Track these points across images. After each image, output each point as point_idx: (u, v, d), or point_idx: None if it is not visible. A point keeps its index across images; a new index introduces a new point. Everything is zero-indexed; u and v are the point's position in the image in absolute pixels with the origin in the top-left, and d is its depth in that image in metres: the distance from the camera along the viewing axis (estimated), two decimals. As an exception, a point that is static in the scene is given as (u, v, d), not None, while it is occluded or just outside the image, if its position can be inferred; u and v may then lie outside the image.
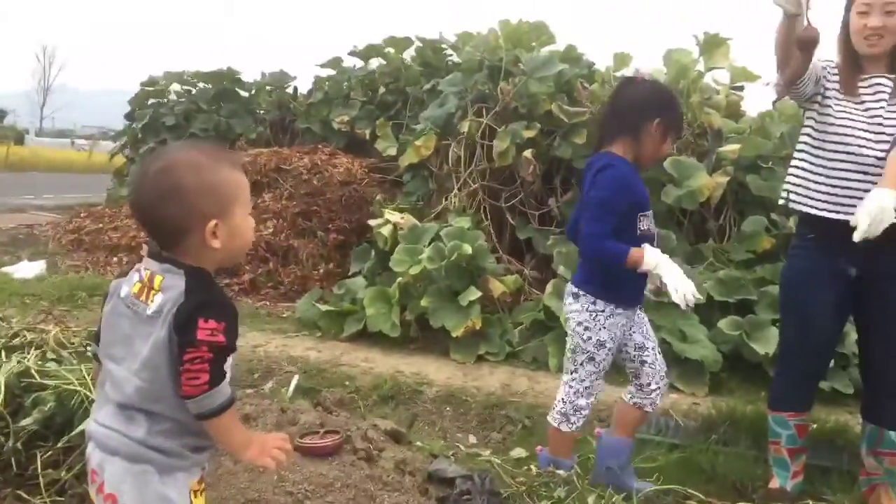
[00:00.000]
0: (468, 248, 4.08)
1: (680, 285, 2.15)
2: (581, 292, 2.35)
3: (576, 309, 2.36)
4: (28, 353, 2.46)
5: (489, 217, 4.85)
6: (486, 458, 2.71)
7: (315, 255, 5.41)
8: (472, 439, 3.14)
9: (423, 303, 3.99)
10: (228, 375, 1.26)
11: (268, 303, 5.04)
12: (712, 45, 4.99)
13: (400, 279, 4.13)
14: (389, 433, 2.61)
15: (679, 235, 4.37)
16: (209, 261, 1.30)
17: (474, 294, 3.96)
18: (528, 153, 4.68)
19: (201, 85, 8.15)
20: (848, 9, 2.28)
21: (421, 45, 6.55)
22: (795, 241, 2.48)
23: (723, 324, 3.67)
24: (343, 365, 3.72)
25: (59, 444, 2.18)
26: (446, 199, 4.96)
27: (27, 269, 5.33)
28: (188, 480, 1.31)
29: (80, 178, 18.33)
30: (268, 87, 7.80)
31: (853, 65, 2.29)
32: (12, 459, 2.15)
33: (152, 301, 1.25)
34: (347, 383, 3.52)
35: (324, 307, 4.32)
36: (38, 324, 2.87)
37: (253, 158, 6.24)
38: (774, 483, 2.50)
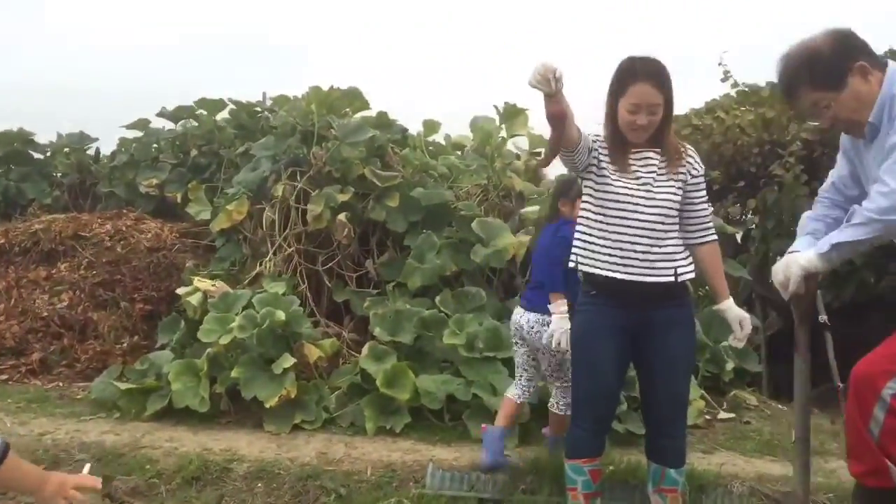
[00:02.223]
0: (282, 315, 3.98)
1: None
2: None
3: None
4: None
5: (306, 280, 4.79)
6: (294, 535, 2.61)
7: (118, 328, 5.00)
8: (284, 516, 3.01)
9: (235, 373, 3.82)
10: None
11: (61, 384, 4.57)
12: (512, 114, 5.38)
13: (210, 350, 3.94)
14: (186, 520, 2.43)
15: (489, 292, 4.58)
16: None
17: (288, 361, 3.86)
18: (342, 216, 4.71)
19: (-13, 146, 7.39)
20: (615, 98, 2.50)
21: (235, 107, 6.44)
22: (581, 298, 2.69)
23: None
24: (144, 447, 3.44)
25: None
26: (261, 265, 4.83)
27: None
28: None
29: None
30: (65, 149, 7.23)
31: (621, 145, 2.56)
32: None
33: None
34: (148, 467, 3.26)
35: (124, 385, 4.00)
36: None
37: (47, 225, 5.72)
38: None
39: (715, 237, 2.66)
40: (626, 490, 3.09)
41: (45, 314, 4.95)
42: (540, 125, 5.85)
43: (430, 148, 5.84)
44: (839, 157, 2.44)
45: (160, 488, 3.11)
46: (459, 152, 5.91)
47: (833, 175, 2.46)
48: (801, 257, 2.24)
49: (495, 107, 5.40)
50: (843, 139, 2.38)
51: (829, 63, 2.16)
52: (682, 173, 2.56)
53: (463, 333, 3.95)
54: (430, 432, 3.74)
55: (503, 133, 5.56)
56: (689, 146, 2.67)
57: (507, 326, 4.19)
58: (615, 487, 3.07)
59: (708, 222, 2.64)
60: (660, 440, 2.63)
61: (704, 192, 2.63)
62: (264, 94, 6.58)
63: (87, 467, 3.16)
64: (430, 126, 5.77)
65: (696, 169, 2.58)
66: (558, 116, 2.32)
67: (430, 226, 4.83)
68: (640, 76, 2.44)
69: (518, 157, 5.48)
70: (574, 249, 2.63)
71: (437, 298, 4.38)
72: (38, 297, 5.10)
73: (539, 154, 5.56)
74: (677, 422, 2.61)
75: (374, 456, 3.41)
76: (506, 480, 3.15)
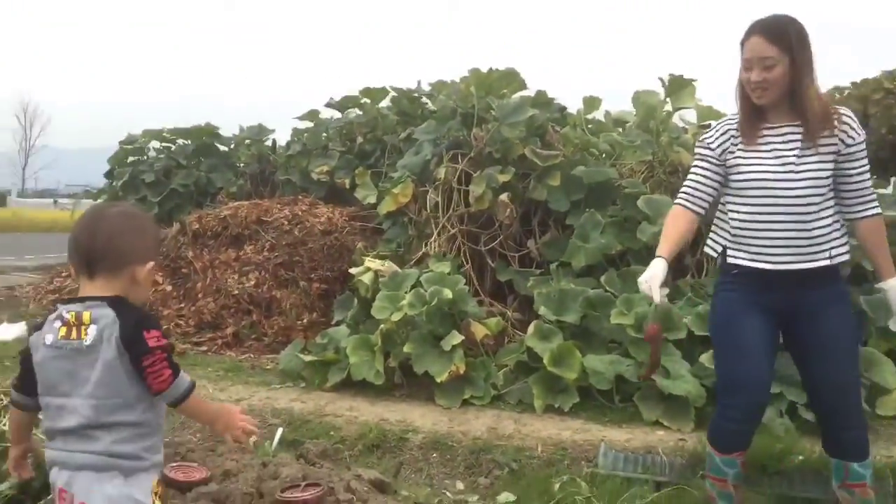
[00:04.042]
0: (449, 293, 4.10)
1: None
2: None
3: None
4: (4, 417, 2.44)
5: (469, 261, 4.89)
6: (472, 505, 2.70)
7: (298, 306, 5.40)
8: (460, 485, 3.11)
9: (406, 349, 3.99)
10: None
11: (251, 355, 5.01)
12: (678, 86, 5.14)
13: (382, 326, 4.14)
14: (374, 483, 2.59)
15: (657, 271, 4.42)
16: (130, 295, 1.55)
17: (457, 338, 3.97)
18: (504, 197, 4.75)
19: (180, 141, 8.22)
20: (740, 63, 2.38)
21: (396, 94, 6.68)
22: (721, 279, 2.55)
23: (704, 358, 3.69)
24: (328, 415, 3.69)
25: (36, 510, 2.15)
26: (426, 245, 4.99)
27: (6, 332, 5.27)
28: (149, 481, 1.51)
29: (63, 237, 18.18)
30: (247, 141, 7.89)
31: (752, 114, 2.39)
32: (-12, 527, 2.11)
33: (86, 334, 1.47)
34: (332, 433, 3.49)
35: (307, 357, 4.30)
36: (9, 402, 2.84)
37: (234, 211, 6.27)
38: None
39: (878, 210, 2.40)
40: (817, 482, 2.88)
41: (236, 292, 5.44)
42: (708, 96, 5.56)
43: (590, 126, 5.73)
44: None
45: (344, 453, 3.32)
46: (621, 129, 5.74)
47: None
48: None
49: (660, 79, 5.19)
50: None
51: None
52: (832, 144, 2.32)
53: (631, 314, 3.86)
54: (599, 412, 3.70)
55: (668, 107, 5.34)
56: (843, 110, 2.39)
57: (677, 306, 4.06)
58: (806, 480, 2.88)
59: (869, 194, 2.38)
60: (834, 433, 2.40)
61: (864, 161, 2.36)
62: (419, 81, 6.77)
63: (279, 431, 3.51)
64: (591, 103, 5.66)
65: (851, 136, 2.32)
66: (655, 338, 2.60)
67: (593, 204, 4.75)
68: (753, 30, 2.30)
69: (685, 130, 5.23)
70: (714, 237, 2.50)
71: (603, 278, 4.30)
72: (229, 277, 5.60)
73: (708, 126, 5.26)
74: (850, 410, 2.35)
75: (544, 433, 3.43)
76: (683, 464, 3.05)
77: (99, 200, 8.86)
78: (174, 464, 2.45)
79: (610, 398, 3.78)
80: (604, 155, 5.24)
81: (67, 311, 1.51)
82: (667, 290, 2.43)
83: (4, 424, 2.38)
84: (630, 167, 5.06)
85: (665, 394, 3.54)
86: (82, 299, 1.52)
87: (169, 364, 1.48)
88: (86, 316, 1.48)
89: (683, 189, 2.52)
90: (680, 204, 2.51)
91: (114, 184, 8.13)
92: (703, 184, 2.47)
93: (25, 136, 51.30)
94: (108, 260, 1.52)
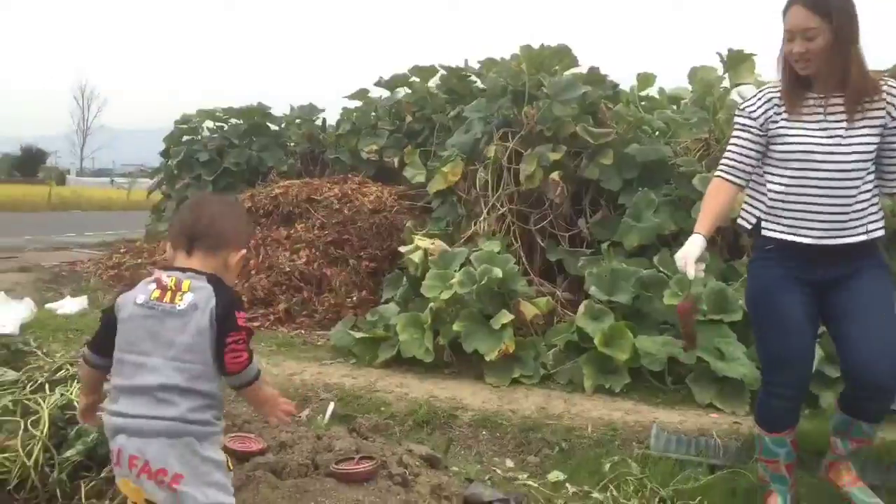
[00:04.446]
0: (499, 272, 4.09)
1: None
2: None
3: None
4: (71, 387, 2.54)
5: (519, 240, 4.86)
6: (522, 482, 2.70)
7: (348, 283, 5.46)
8: (509, 463, 3.12)
9: (456, 327, 4.00)
10: None
11: (303, 331, 5.10)
12: (737, 60, 4.98)
13: (432, 305, 4.15)
14: (425, 458, 2.61)
15: (712, 252, 4.31)
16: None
17: (506, 317, 3.96)
18: (555, 175, 4.70)
19: (233, 121, 8.35)
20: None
21: (445, 73, 6.64)
22: (756, 254, 2.50)
23: (760, 340, 3.60)
24: (378, 391, 3.74)
25: (102, 475, 2.24)
26: (475, 224, 4.98)
27: (70, 305, 5.47)
28: (219, 444, 1.62)
29: (119, 215, 18.83)
30: (297, 121, 7.97)
31: (795, 83, 2.32)
32: (57, 490, 2.21)
33: (181, 300, 1.55)
34: (383, 409, 3.53)
35: (358, 334, 4.36)
36: (79, 357, 2.95)
37: (285, 190, 6.36)
38: (777, 502, 2.47)
39: None
40: (876, 469, 2.80)
41: (288, 269, 5.52)
42: (768, 71, 5.37)
43: (644, 103, 5.61)
44: None
45: (394, 429, 3.36)
46: (676, 106, 5.61)
47: None
48: None
49: (718, 54, 5.03)
50: None
51: None
52: (880, 116, 2.23)
53: (685, 295, 3.78)
54: (650, 394, 3.66)
55: (726, 82, 5.18)
56: (892, 81, 2.29)
57: (732, 287, 3.96)
58: (867, 468, 2.79)
59: None
60: (860, 401, 2.34)
61: None
62: (466, 60, 6.71)
63: (331, 406, 3.57)
64: (645, 79, 5.53)
65: None
66: (689, 312, 2.65)
67: (646, 183, 4.66)
68: (794, 0, 2.23)
69: (744, 107, 5.06)
70: (749, 209, 2.44)
71: (656, 258, 4.22)
72: (280, 254, 5.69)
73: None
74: (881, 379, 2.23)
75: (594, 413, 3.41)
76: (738, 448, 2.99)
77: (155, 179, 9.11)
78: (232, 434, 2.52)
79: (662, 380, 3.72)
80: (658, 133, 5.13)
81: (167, 276, 1.58)
82: (703, 266, 2.40)
83: (72, 393, 2.47)
84: (685, 145, 4.94)
85: (719, 376, 3.48)
86: (182, 269, 1.60)
87: (247, 347, 1.57)
88: (185, 283, 1.56)
89: (723, 160, 2.45)
90: (720, 176, 2.45)
91: (169, 163, 8.31)
92: (745, 155, 2.40)
93: (83, 116, 52.94)
94: (209, 239, 1.63)
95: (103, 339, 1.62)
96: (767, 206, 2.37)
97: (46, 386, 2.55)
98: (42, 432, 2.28)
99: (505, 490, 2.52)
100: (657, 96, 5.75)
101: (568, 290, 4.64)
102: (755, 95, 2.44)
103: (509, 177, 4.98)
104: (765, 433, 2.45)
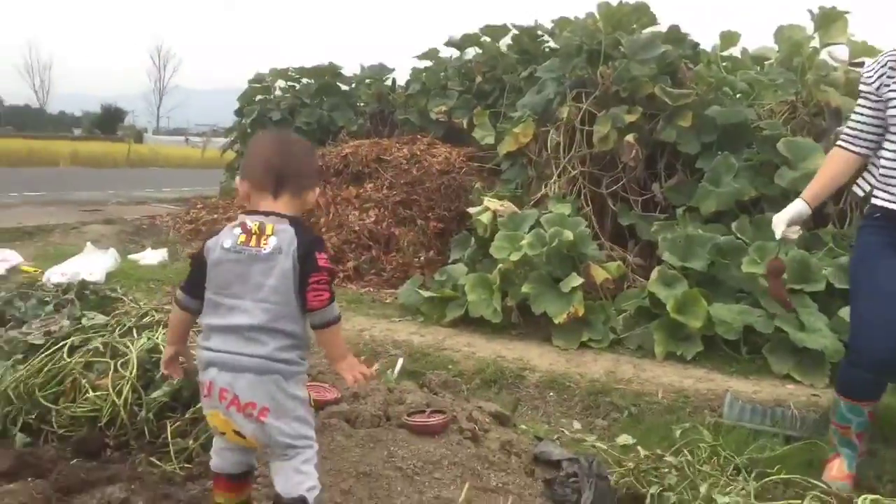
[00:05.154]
0: (569, 235, 4.03)
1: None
2: None
3: None
4: (156, 332, 2.65)
5: (590, 203, 4.77)
6: (591, 444, 2.69)
7: (416, 243, 5.50)
8: (577, 425, 3.11)
9: (525, 289, 3.98)
10: None
11: (371, 289, 5.18)
12: (828, 19, 4.70)
13: (500, 266, 4.14)
14: (494, 415, 2.63)
15: (794, 220, 4.15)
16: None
17: (576, 281, 3.91)
18: (629, 137, 4.57)
19: (304, 80, 8.43)
20: None
21: (517, 32, 6.50)
22: (864, 222, 2.43)
23: (844, 312, 3.45)
24: (446, 349, 3.77)
25: (187, 416, 2.34)
26: (545, 186, 4.91)
27: (151, 257, 5.71)
28: (302, 382, 1.66)
29: (194, 172, 19.43)
30: (367, 81, 7.98)
31: None
32: (145, 428, 2.32)
33: (266, 244, 1.58)
34: (450, 367, 3.57)
35: (426, 293, 4.39)
36: (164, 305, 3.08)
37: (354, 150, 6.41)
38: (841, 466, 2.43)
39: None
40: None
41: (357, 228, 5.59)
42: (863, 30, 5.05)
43: (726, 63, 5.37)
44: None
45: (462, 386, 3.39)
46: (760, 67, 5.35)
47: None
48: None
49: (809, 11, 4.75)
50: None
51: None
52: None
53: (765, 263, 3.65)
54: (724, 362, 3.57)
55: (815, 42, 4.89)
56: None
57: (816, 257, 3.80)
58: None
59: None
60: None
61: None
62: (536, 20, 6.55)
63: (399, 361, 3.62)
64: (728, 38, 5.29)
65: None
66: (777, 271, 2.63)
67: (726, 147, 4.49)
68: None
69: (835, 68, 4.79)
70: (865, 176, 2.35)
71: (734, 224, 4.08)
72: (350, 213, 5.77)
73: (861, 64, 4.80)
74: None
75: (665, 380, 3.35)
76: (816, 419, 2.90)
77: (228, 138, 9.32)
78: (307, 383, 2.58)
79: (737, 349, 3.62)
80: (740, 94, 4.91)
81: (252, 221, 1.61)
82: (797, 229, 2.40)
83: (158, 338, 2.58)
84: (769, 108, 4.72)
85: (798, 347, 3.36)
86: (265, 213, 1.62)
87: (329, 287, 1.59)
88: (269, 227, 1.59)
89: (845, 129, 2.40)
90: (839, 145, 2.39)
91: (243, 121, 8.48)
92: (863, 122, 2.33)
93: (159, 76, 54.48)
94: (298, 179, 1.66)
95: (196, 281, 1.66)
96: (879, 175, 2.29)
97: (134, 330, 2.67)
98: (131, 373, 2.39)
99: (574, 450, 2.52)
100: (740, 56, 5.49)
101: (639, 256, 4.56)
102: (875, 60, 2.37)
103: (582, 139, 4.88)
104: (842, 399, 2.41)
